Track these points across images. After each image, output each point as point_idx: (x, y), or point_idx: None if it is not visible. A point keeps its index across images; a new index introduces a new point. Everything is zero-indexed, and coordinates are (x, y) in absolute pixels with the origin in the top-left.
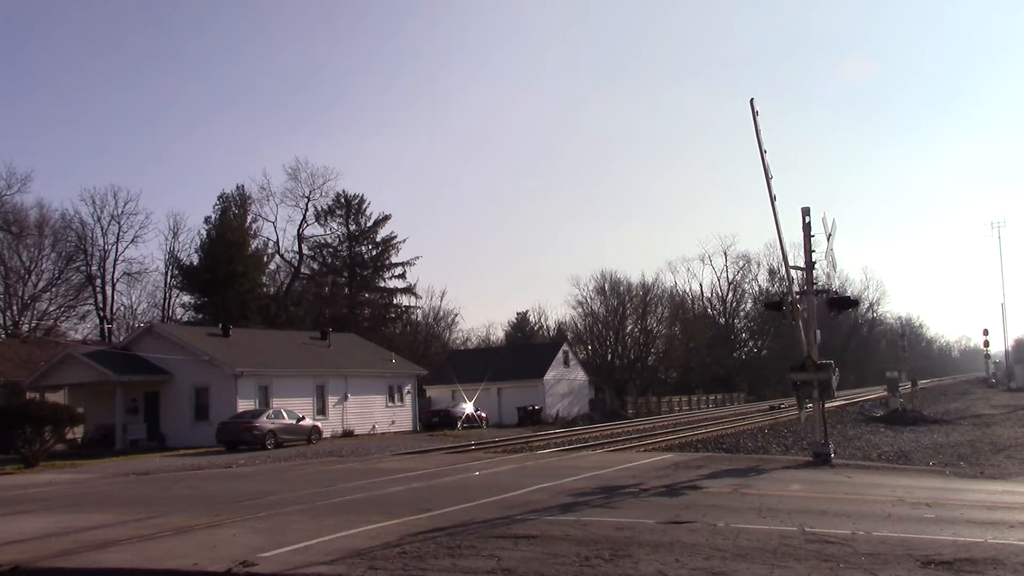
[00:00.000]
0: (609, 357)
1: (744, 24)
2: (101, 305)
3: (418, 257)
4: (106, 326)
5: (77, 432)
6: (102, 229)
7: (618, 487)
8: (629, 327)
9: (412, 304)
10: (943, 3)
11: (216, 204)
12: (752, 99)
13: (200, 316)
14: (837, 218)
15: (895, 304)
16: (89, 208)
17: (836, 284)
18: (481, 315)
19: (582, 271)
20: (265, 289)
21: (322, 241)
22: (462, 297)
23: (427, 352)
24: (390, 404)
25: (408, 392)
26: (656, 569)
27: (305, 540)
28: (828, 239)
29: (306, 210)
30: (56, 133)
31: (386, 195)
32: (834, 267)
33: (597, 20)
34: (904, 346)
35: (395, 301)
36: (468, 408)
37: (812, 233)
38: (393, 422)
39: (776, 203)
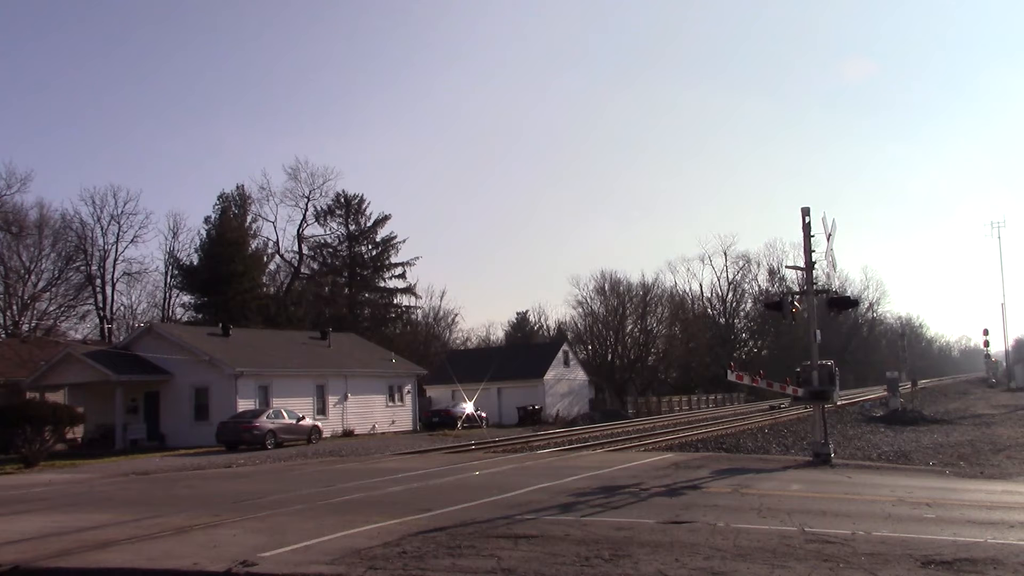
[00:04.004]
0: (609, 357)
1: (744, 26)
2: (101, 305)
3: (418, 257)
4: (106, 326)
5: (77, 432)
6: (102, 229)
7: (618, 487)
8: (629, 327)
9: (412, 304)
10: (944, 3)
11: (216, 204)
12: (730, 365)
13: (200, 316)
14: (837, 218)
15: (895, 304)
16: (89, 208)
17: (836, 284)
18: (481, 315)
19: (582, 271)
20: (265, 289)
21: (322, 241)
22: (462, 297)
23: (427, 352)
24: (390, 404)
25: (408, 392)
26: (656, 569)
27: (305, 540)
28: (828, 239)
29: (306, 210)
30: (56, 133)
31: (386, 195)
32: (834, 267)
33: (599, 23)
34: (904, 346)
35: (395, 301)
36: (468, 408)
37: (812, 233)
38: (393, 422)
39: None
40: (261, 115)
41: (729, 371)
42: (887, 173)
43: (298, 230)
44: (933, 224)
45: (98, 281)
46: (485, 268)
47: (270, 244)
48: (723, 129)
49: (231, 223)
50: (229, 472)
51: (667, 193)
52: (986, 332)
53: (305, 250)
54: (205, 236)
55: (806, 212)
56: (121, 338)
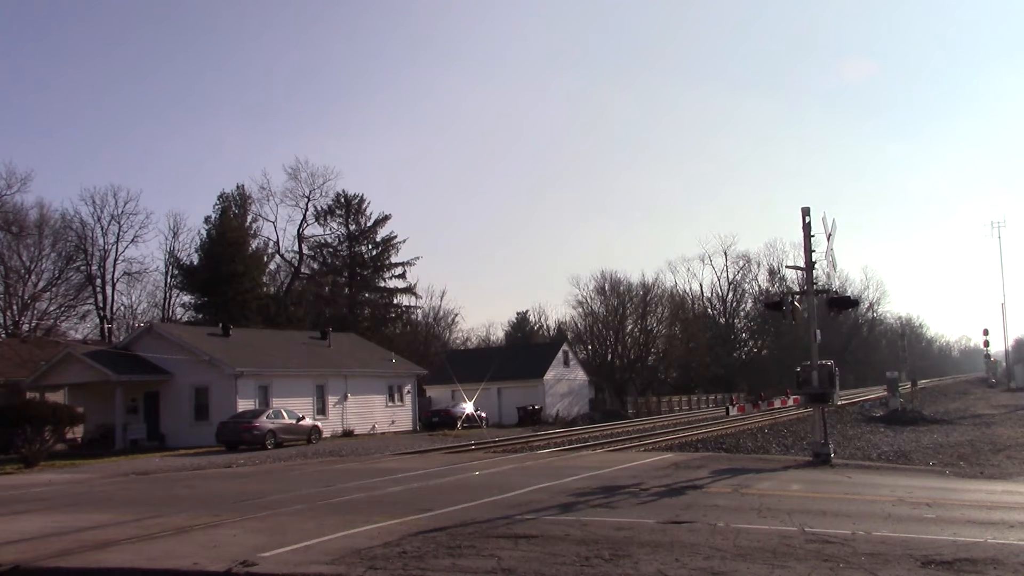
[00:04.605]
0: (609, 357)
1: (744, 26)
2: (101, 305)
3: (418, 257)
4: (106, 326)
5: (77, 432)
6: (102, 229)
7: (618, 487)
8: (629, 327)
9: (412, 304)
10: (944, 3)
11: (216, 204)
12: (732, 400)
13: (200, 316)
14: (837, 218)
15: (895, 304)
16: (89, 208)
17: (836, 284)
18: (481, 315)
19: (582, 271)
20: (265, 289)
21: (322, 241)
22: (462, 297)
23: (427, 352)
24: (390, 404)
25: (408, 392)
26: (656, 569)
27: (305, 540)
28: (828, 239)
29: (306, 210)
30: (56, 133)
31: (386, 195)
32: (834, 267)
33: (599, 23)
34: (904, 346)
35: (395, 301)
36: (468, 408)
37: (812, 233)
38: (393, 422)
39: None
40: (261, 115)
41: (730, 407)
42: (887, 173)
43: (298, 230)
44: (933, 224)
45: (98, 281)
46: (485, 268)
47: (270, 244)
48: (723, 129)
49: (231, 223)
50: (229, 472)
51: (667, 193)
52: (986, 332)
53: (305, 250)
54: (205, 236)
55: (806, 212)
56: (121, 338)
